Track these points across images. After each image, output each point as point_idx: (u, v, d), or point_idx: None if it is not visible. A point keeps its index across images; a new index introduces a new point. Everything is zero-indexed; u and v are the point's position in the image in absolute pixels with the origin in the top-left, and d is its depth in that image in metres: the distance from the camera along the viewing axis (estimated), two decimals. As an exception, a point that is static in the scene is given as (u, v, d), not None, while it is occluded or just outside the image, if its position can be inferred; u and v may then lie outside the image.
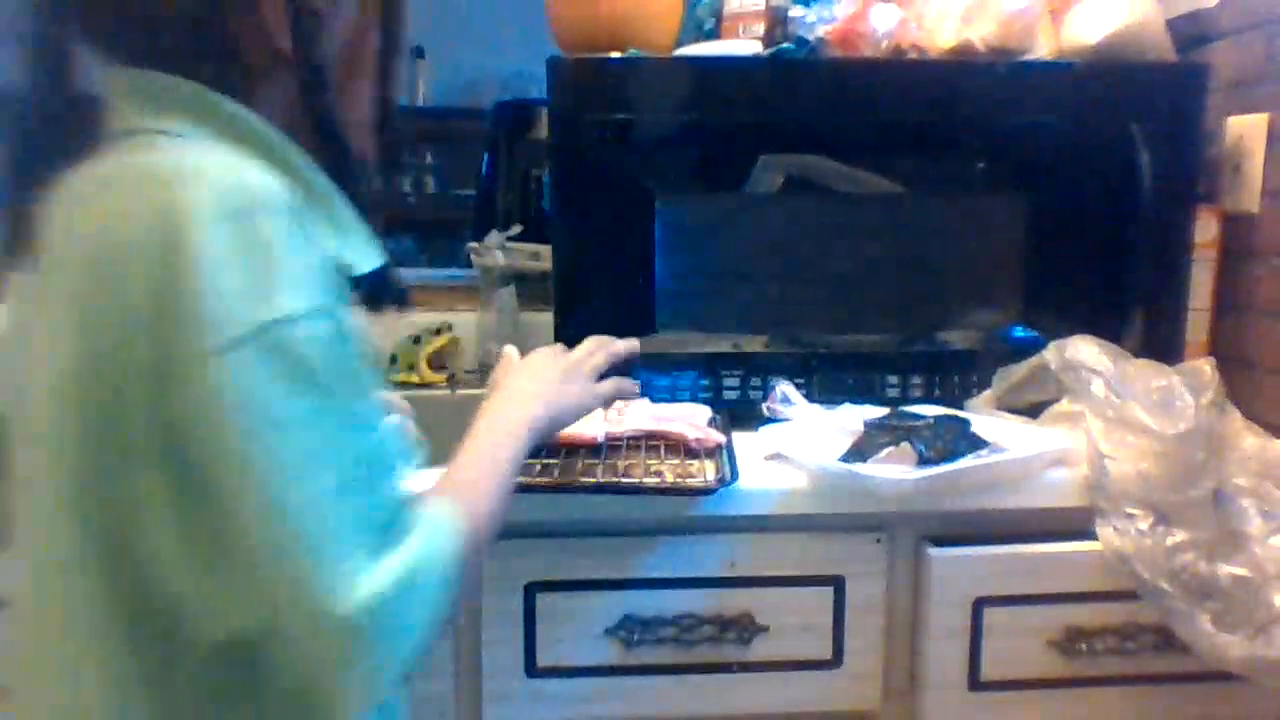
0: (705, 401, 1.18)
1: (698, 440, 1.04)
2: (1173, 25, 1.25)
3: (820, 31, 1.20)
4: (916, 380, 1.22)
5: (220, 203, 0.53)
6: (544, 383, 0.89)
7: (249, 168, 0.57)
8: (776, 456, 1.04)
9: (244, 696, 0.59)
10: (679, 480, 0.95)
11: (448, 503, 0.68)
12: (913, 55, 1.20)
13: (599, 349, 0.96)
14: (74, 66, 0.63)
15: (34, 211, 0.59)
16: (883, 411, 1.09)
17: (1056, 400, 1.09)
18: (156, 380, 0.52)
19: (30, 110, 0.63)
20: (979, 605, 1.01)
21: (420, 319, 1.53)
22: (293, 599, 0.53)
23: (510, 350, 0.99)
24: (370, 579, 0.55)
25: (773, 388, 1.13)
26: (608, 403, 0.97)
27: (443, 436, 0.82)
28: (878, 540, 1.01)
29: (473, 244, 1.56)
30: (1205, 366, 1.02)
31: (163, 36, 0.61)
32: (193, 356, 0.51)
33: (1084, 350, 1.05)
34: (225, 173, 0.55)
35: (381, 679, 0.58)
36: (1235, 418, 1.04)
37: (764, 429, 1.07)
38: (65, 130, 0.62)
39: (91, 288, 0.54)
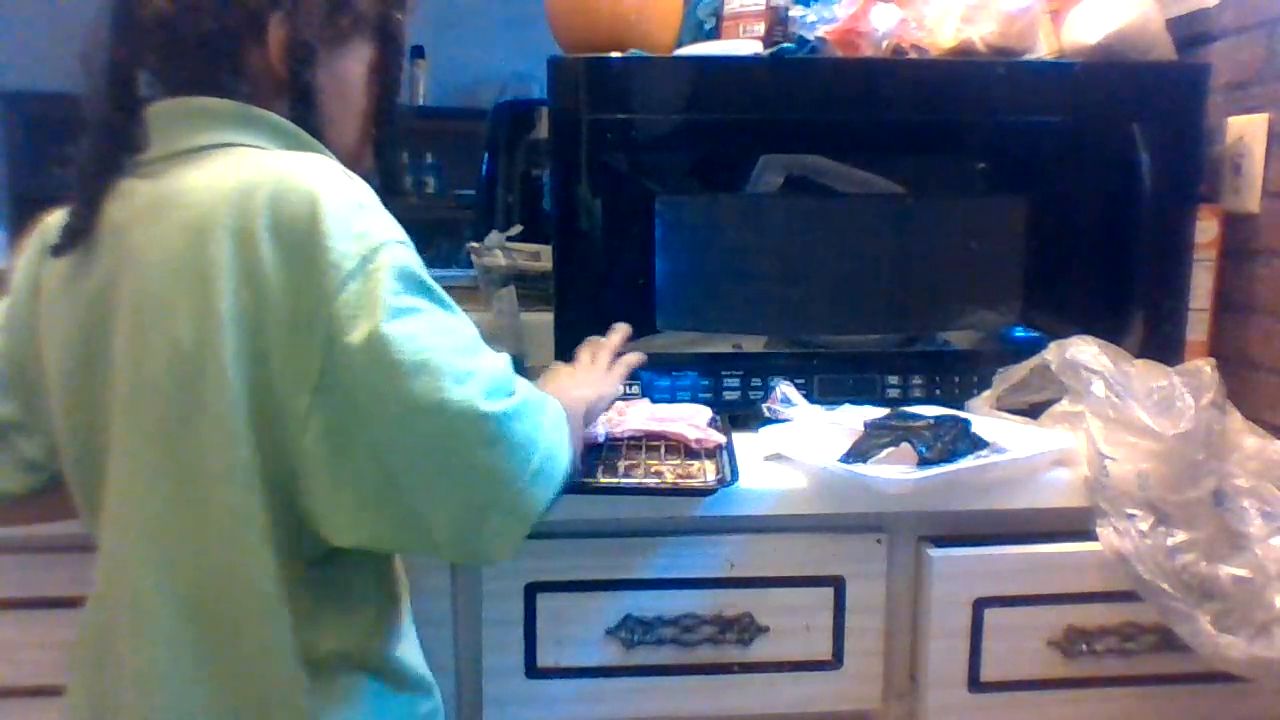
0: (705, 402, 1.18)
1: (698, 440, 1.04)
2: (1173, 25, 1.25)
3: (820, 31, 1.20)
4: (916, 380, 1.21)
5: (339, 192, 0.69)
6: (580, 375, 1.01)
7: (338, 166, 0.72)
8: (776, 457, 1.04)
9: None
10: (679, 481, 0.95)
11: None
12: (913, 55, 1.20)
13: (599, 350, 1.06)
14: (138, 88, 0.75)
15: (99, 205, 0.73)
16: (883, 411, 1.09)
17: (1056, 400, 1.09)
18: (310, 316, 0.66)
19: (103, 122, 0.74)
20: (979, 605, 1.01)
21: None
22: (449, 414, 0.67)
23: None
24: (505, 398, 0.70)
25: (773, 388, 1.13)
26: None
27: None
28: (878, 540, 1.01)
29: (473, 244, 1.55)
30: (1205, 366, 1.02)
31: (193, 60, 0.74)
32: (334, 286, 0.66)
33: (1084, 350, 1.05)
34: (332, 171, 0.71)
35: (521, 490, 0.71)
36: (1235, 418, 1.04)
37: (764, 429, 1.07)
38: (127, 140, 0.74)
39: (256, 257, 0.67)
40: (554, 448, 0.75)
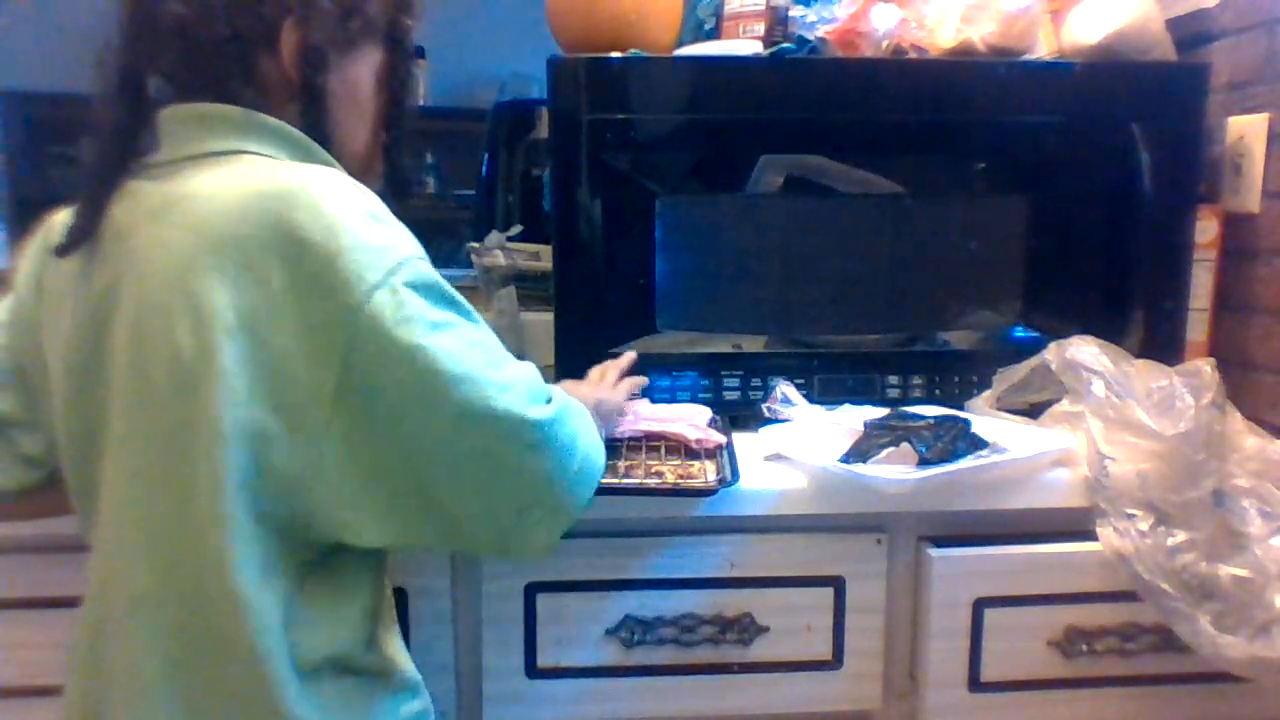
0: (705, 402, 1.18)
1: (698, 441, 1.04)
2: (1173, 25, 1.25)
3: (820, 31, 1.20)
4: (916, 380, 1.21)
5: (353, 205, 0.69)
6: (589, 387, 1.04)
7: (349, 179, 0.72)
8: (776, 457, 1.04)
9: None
10: (680, 481, 0.95)
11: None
12: (913, 55, 1.20)
13: (607, 369, 1.10)
14: (148, 91, 0.75)
15: (105, 206, 0.73)
16: (883, 411, 1.09)
17: (1056, 400, 1.09)
18: (327, 328, 0.67)
19: (113, 124, 0.74)
20: (979, 605, 1.01)
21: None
22: (498, 422, 0.70)
23: None
24: (545, 405, 0.74)
25: (773, 388, 1.13)
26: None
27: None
28: (878, 540, 1.01)
29: (473, 244, 1.56)
30: (1205, 366, 1.02)
31: (207, 65, 0.74)
32: (357, 299, 0.66)
33: (1084, 350, 1.05)
34: (345, 184, 0.71)
35: (565, 490, 0.75)
36: (1235, 418, 1.04)
37: (764, 429, 1.07)
38: (136, 142, 0.74)
39: (264, 267, 0.66)
40: (591, 448, 0.79)
